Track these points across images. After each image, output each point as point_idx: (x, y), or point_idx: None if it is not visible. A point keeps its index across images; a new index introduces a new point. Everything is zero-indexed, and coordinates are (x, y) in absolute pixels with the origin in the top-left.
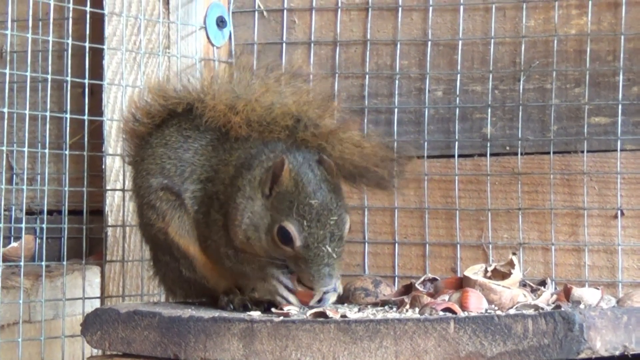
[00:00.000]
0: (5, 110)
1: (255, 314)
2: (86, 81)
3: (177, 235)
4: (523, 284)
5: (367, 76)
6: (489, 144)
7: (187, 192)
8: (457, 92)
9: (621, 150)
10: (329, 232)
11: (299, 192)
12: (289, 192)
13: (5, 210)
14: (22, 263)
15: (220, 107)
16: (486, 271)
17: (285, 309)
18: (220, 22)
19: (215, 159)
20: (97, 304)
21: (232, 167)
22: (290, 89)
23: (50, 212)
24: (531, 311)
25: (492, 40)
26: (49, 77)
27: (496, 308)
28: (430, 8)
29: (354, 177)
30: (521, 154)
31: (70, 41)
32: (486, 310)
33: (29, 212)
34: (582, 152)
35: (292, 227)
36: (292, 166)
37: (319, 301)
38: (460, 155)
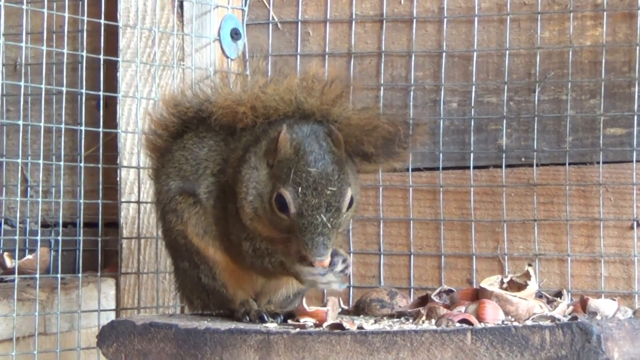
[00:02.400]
0: (20, 122)
1: (272, 326)
2: (101, 93)
3: (196, 237)
4: (539, 295)
5: (382, 88)
6: (504, 155)
7: (201, 188)
8: (472, 104)
9: (637, 161)
10: (325, 202)
11: (298, 160)
12: (289, 159)
13: (20, 222)
14: (37, 275)
15: (227, 103)
16: (502, 282)
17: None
18: (235, 34)
19: (226, 152)
20: (112, 316)
21: (240, 151)
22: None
23: (65, 225)
24: (548, 322)
25: (507, 52)
26: (64, 89)
27: (513, 319)
28: (445, 20)
29: (363, 144)
30: (536, 165)
31: (84, 53)
32: (503, 321)
33: (44, 225)
34: (598, 163)
35: (287, 194)
36: (294, 135)
37: (330, 264)
38: (475, 167)
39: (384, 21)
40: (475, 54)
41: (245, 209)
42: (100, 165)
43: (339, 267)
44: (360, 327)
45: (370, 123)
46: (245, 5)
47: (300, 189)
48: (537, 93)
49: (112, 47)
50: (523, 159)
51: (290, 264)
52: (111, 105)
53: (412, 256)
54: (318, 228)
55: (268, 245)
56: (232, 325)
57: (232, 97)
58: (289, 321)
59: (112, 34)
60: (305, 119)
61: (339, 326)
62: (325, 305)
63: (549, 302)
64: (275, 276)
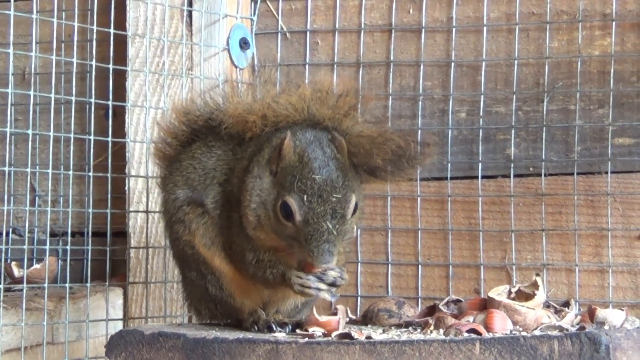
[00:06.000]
0: (29, 132)
1: (280, 335)
2: (110, 103)
3: (203, 247)
4: (547, 305)
5: (390, 97)
6: (512, 165)
7: (209, 198)
8: (481, 114)
9: None
10: (331, 209)
11: (303, 167)
12: (293, 166)
13: (28, 232)
14: (46, 285)
15: (238, 112)
16: (510, 292)
17: (318, 293)
18: (244, 44)
19: (233, 161)
20: (120, 325)
21: (245, 160)
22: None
23: (73, 234)
24: (556, 332)
25: (516, 62)
26: (73, 98)
27: (521, 329)
28: (454, 29)
29: (372, 156)
30: (545, 175)
31: (93, 63)
32: (511, 331)
33: (52, 234)
34: (606, 173)
35: (292, 202)
36: (298, 142)
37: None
38: (483, 177)
39: (393, 31)
40: (483, 63)
41: (249, 217)
42: (109, 175)
43: (330, 276)
44: (368, 337)
45: (382, 135)
46: (254, 15)
47: (305, 196)
48: (545, 103)
49: (121, 56)
50: (531, 169)
51: (287, 270)
52: (120, 114)
53: (420, 266)
54: (324, 235)
55: (271, 257)
56: (240, 334)
57: (242, 106)
58: (298, 331)
59: (121, 43)
60: (309, 126)
61: (348, 336)
62: (334, 315)
63: (557, 312)
64: (274, 287)
